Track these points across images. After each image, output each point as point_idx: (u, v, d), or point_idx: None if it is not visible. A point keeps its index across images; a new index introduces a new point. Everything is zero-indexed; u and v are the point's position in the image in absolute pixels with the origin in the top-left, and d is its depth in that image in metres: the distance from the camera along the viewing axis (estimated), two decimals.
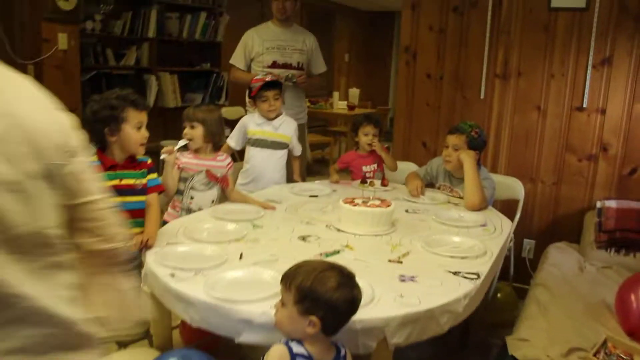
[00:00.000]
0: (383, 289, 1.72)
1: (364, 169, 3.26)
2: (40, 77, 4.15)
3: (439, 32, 3.60)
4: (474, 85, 3.54)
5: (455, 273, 1.87)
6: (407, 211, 2.64)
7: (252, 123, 3.15)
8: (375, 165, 3.27)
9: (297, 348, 1.42)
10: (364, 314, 1.54)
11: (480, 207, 2.67)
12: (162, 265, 1.86)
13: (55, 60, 4.16)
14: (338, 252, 2.05)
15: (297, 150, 3.31)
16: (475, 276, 1.85)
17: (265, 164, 3.16)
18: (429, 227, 2.41)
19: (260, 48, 3.90)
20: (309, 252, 2.04)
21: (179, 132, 2.68)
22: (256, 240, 2.17)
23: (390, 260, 1.98)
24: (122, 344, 2.25)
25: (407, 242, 2.19)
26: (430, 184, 3.11)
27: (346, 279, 1.43)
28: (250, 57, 3.95)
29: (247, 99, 3.23)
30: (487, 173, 2.89)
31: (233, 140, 3.19)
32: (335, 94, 7.59)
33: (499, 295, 3.05)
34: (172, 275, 1.79)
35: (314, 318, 1.39)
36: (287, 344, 1.43)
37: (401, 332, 1.59)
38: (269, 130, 3.15)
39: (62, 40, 4.16)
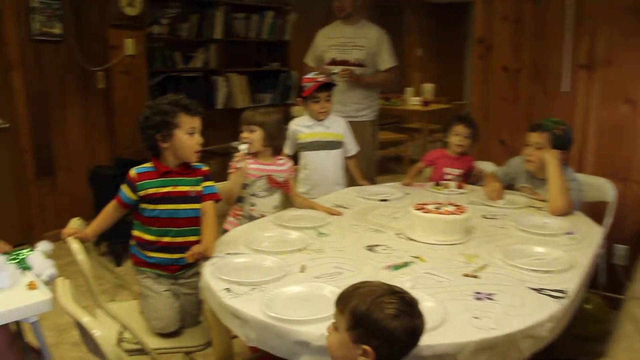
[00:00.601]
0: (456, 308, 1.55)
1: (445, 170, 3.06)
2: (109, 83, 4.20)
3: (515, 22, 3.35)
4: (555, 78, 3.26)
5: (538, 290, 1.67)
6: (484, 217, 2.43)
7: (302, 127, 3.02)
8: (461, 172, 3.05)
9: None
10: (434, 339, 1.38)
11: (566, 212, 2.42)
12: (219, 278, 1.76)
13: (123, 66, 4.20)
14: (407, 264, 1.89)
15: (352, 149, 3.15)
16: (561, 294, 1.64)
17: (324, 165, 3.02)
18: (508, 235, 2.20)
19: (324, 46, 3.94)
20: (377, 264, 1.89)
21: None
22: (320, 250, 2.04)
23: (465, 275, 1.79)
24: (188, 354, 2.20)
25: (484, 252, 1.99)
26: (510, 186, 2.88)
27: (407, 306, 1.26)
28: (317, 54, 4.02)
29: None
30: (573, 174, 2.64)
31: (287, 148, 3.03)
32: (408, 90, 7.36)
33: (587, 306, 2.78)
34: (228, 290, 1.69)
35: (367, 348, 1.23)
36: None
37: None
38: (321, 131, 3.01)
39: (129, 46, 4.19)
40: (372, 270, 1.84)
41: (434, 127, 6.94)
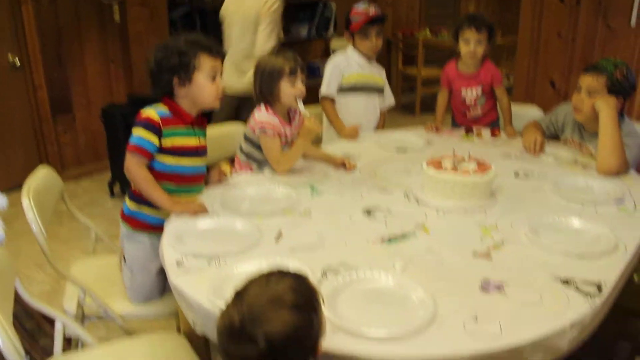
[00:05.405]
0: (452, 304, 1.20)
1: (463, 93, 2.63)
2: (124, 17, 3.90)
3: None
4: (622, 11, 2.76)
5: (565, 282, 1.29)
6: (516, 174, 2.03)
7: (354, 64, 2.63)
8: (479, 90, 2.59)
9: None
10: (411, 347, 1.05)
11: (618, 172, 1.99)
12: (174, 247, 1.47)
13: None
14: (406, 236, 1.54)
15: (389, 99, 2.78)
16: (594, 290, 1.26)
17: (364, 112, 2.67)
18: (541, 201, 1.79)
19: None
20: (369, 235, 1.55)
21: None
22: (307, 213, 1.71)
23: (475, 254, 1.43)
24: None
25: (505, 224, 1.61)
26: (555, 137, 2.44)
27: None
28: None
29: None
30: (632, 127, 2.17)
31: (329, 87, 2.63)
32: None
33: (636, 277, 2.37)
34: (178, 264, 1.40)
35: None
36: None
37: None
38: (369, 73, 2.65)
39: None
40: (362, 242, 1.51)
41: None
